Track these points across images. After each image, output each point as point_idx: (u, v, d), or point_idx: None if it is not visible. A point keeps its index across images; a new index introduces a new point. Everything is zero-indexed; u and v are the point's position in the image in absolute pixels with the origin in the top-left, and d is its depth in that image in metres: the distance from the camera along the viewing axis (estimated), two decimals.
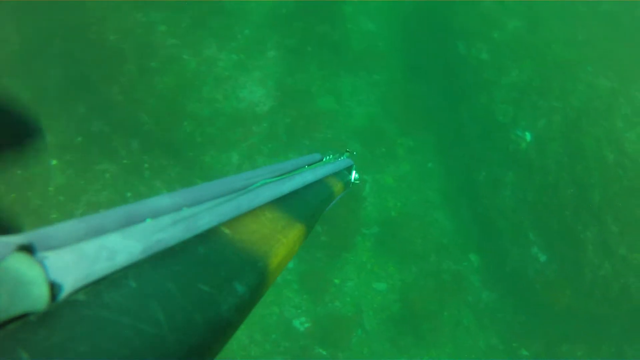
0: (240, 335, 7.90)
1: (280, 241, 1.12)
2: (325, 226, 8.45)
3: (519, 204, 8.62)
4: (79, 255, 0.64)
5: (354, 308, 8.54)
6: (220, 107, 8.80)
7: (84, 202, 8.18)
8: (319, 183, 1.63)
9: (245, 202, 1.05)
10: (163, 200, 0.86)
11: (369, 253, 8.67)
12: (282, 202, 1.25)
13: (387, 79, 9.83)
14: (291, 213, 1.26)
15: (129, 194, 8.40)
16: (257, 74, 9.01)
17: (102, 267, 0.66)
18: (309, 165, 1.65)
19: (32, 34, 8.35)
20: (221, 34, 8.99)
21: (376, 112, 9.52)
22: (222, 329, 0.82)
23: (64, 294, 0.60)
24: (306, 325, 8.21)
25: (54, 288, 0.59)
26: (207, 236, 0.91)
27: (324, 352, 8.02)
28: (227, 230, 0.98)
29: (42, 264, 0.58)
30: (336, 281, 8.52)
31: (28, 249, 0.58)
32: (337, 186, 1.82)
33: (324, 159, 1.94)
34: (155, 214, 0.82)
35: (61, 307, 0.60)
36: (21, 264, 0.55)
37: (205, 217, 0.90)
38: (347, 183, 2.08)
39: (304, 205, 1.39)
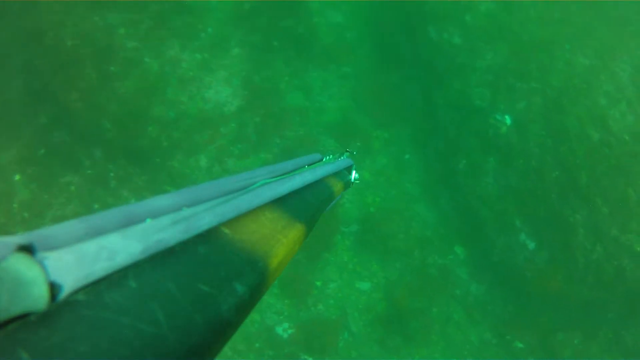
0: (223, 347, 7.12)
1: (280, 241, 1.08)
2: None
3: (502, 191, 7.92)
4: (79, 255, 0.61)
5: (339, 310, 8.01)
6: (186, 109, 8.23)
7: (49, 217, 7.74)
8: (319, 183, 1.57)
9: (245, 202, 1.01)
10: (163, 200, 0.84)
11: (350, 252, 7.99)
12: (282, 202, 1.21)
13: (357, 71, 9.10)
14: (291, 213, 1.22)
15: (95, 206, 7.94)
16: (222, 73, 8.32)
17: (102, 267, 0.64)
18: (309, 165, 1.60)
19: None
20: (183, 33, 8.33)
21: (348, 105, 8.78)
22: (222, 329, 0.79)
23: (64, 294, 0.58)
24: (290, 331, 7.71)
25: (54, 288, 0.56)
26: (207, 236, 0.89)
27: (310, 359, 7.55)
28: (227, 231, 0.95)
29: (42, 264, 0.56)
30: (318, 283, 7.97)
31: (28, 249, 0.55)
32: (337, 186, 1.76)
33: (324, 159, 1.88)
34: (155, 214, 0.79)
35: (61, 307, 0.58)
36: (21, 264, 0.54)
37: (205, 217, 0.87)
38: (347, 183, 2.01)
39: (304, 205, 1.34)
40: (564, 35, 8.23)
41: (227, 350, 7.27)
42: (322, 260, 8.10)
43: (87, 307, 0.60)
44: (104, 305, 0.62)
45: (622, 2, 8.69)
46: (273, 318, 7.63)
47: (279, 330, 7.64)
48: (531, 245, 7.94)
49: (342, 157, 2.11)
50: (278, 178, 1.25)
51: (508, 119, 8.01)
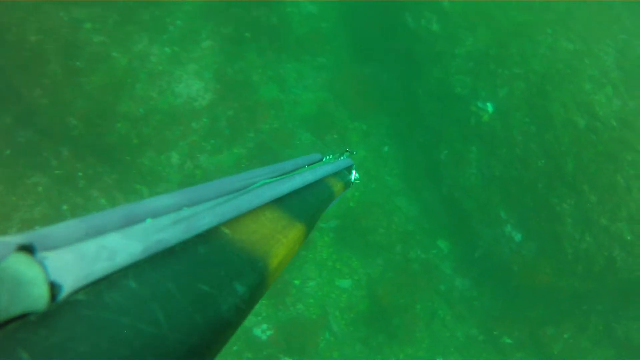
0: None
1: (280, 241, 1.05)
2: None
3: (486, 181, 7.31)
4: (79, 255, 0.60)
5: (319, 310, 7.54)
6: (156, 105, 7.76)
7: (17, 219, 7.21)
8: (319, 183, 1.50)
9: (245, 202, 0.98)
10: (163, 200, 0.82)
11: (329, 249, 7.42)
12: (282, 202, 1.17)
13: (333, 61, 8.46)
14: (291, 213, 1.18)
15: (64, 207, 7.43)
16: (193, 66, 7.74)
17: (102, 267, 0.62)
18: (309, 165, 1.52)
19: None
20: (152, 27, 7.78)
21: (324, 97, 8.16)
22: (222, 329, 0.77)
23: (64, 294, 0.56)
24: (268, 332, 7.23)
25: (54, 288, 0.55)
26: (207, 236, 0.87)
27: None
28: (227, 231, 0.93)
29: (42, 264, 0.54)
30: (296, 282, 7.57)
31: (28, 249, 0.55)
32: (337, 186, 1.66)
33: (324, 159, 1.77)
34: (155, 214, 0.78)
35: (61, 307, 0.57)
36: (21, 264, 0.53)
37: (205, 217, 0.84)
38: (347, 183, 1.90)
39: (304, 205, 1.29)
40: (546, 20, 7.69)
41: None
42: (300, 257, 7.64)
43: (87, 307, 0.58)
44: (104, 305, 0.60)
45: None
46: (251, 319, 7.17)
47: (258, 332, 7.17)
48: (517, 236, 7.47)
49: (342, 157, 2.01)
50: (278, 178, 1.20)
51: (490, 107, 7.41)
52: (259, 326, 7.19)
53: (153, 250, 0.71)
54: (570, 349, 7.69)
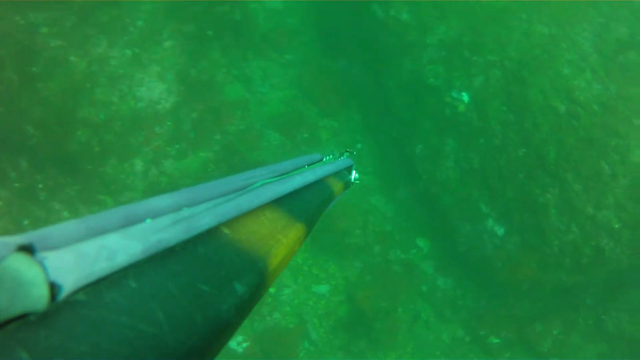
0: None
1: (280, 241, 1.01)
2: None
3: (464, 175, 6.63)
4: (79, 255, 0.58)
5: (296, 318, 6.97)
6: (117, 110, 7.11)
7: None
8: (319, 183, 1.45)
9: (245, 202, 0.95)
10: (163, 200, 0.79)
11: (304, 253, 6.92)
12: (282, 202, 1.13)
13: (301, 57, 7.74)
14: (291, 213, 1.14)
15: (25, 222, 6.83)
16: (155, 68, 7.08)
17: (102, 267, 0.60)
18: (309, 165, 1.46)
19: None
20: (111, 28, 7.17)
21: (292, 95, 7.44)
22: (222, 329, 0.74)
23: (64, 294, 0.54)
24: (245, 344, 6.67)
25: (53, 288, 0.53)
26: (207, 236, 0.84)
27: None
28: (227, 231, 0.90)
29: (42, 264, 0.52)
30: (271, 290, 6.96)
31: (28, 249, 0.52)
32: (337, 186, 1.59)
33: (324, 159, 1.70)
34: (155, 214, 0.75)
35: (61, 307, 0.55)
36: (21, 264, 0.50)
37: (205, 218, 0.81)
38: (347, 183, 1.83)
39: (304, 206, 1.24)
40: (520, 5, 7.12)
41: None
42: None
43: (87, 307, 0.57)
44: (104, 305, 0.58)
45: None
46: None
47: (233, 344, 6.61)
48: (500, 231, 6.89)
49: (342, 157, 1.92)
50: (278, 178, 1.15)
51: (465, 96, 6.72)
52: (234, 338, 6.59)
53: (153, 251, 0.67)
54: (560, 345, 7.17)
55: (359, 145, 7.68)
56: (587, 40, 7.29)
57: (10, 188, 6.79)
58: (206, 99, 7.23)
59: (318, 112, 7.67)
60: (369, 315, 6.86)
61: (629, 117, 6.85)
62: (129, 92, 7.17)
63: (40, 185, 6.84)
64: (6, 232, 5.11)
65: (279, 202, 1.10)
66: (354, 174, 1.99)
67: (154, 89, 7.23)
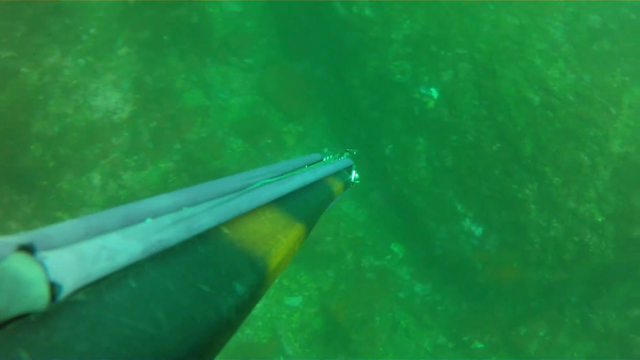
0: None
1: (280, 241, 0.95)
2: None
3: (437, 174, 5.93)
4: (79, 255, 0.55)
5: (270, 333, 6.24)
6: (72, 122, 6.43)
7: None
8: (319, 183, 1.37)
9: (245, 202, 0.90)
10: (163, 200, 0.74)
11: None
12: (282, 202, 1.06)
13: (261, 61, 7.02)
14: (291, 213, 1.07)
15: None
16: (110, 76, 6.39)
17: (102, 267, 0.57)
18: (308, 165, 1.40)
19: None
20: (63, 37, 6.54)
21: (255, 100, 6.73)
22: (222, 329, 0.69)
23: (64, 294, 0.51)
24: None
25: (54, 288, 0.49)
26: (207, 236, 0.79)
27: None
28: (227, 231, 0.84)
29: (42, 264, 0.49)
30: None
31: (28, 249, 0.49)
32: (337, 186, 1.51)
33: (324, 159, 1.63)
34: (155, 214, 0.70)
35: (61, 307, 0.52)
36: (21, 264, 0.47)
37: (205, 217, 0.77)
38: (347, 183, 1.72)
39: (304, 205, 1.17)
40: None
41: None
42: None
43: (87, 307, 0.53)
44: (104, 305, 0.55)
45: None
46: None
47: None
48: (478, 230, 6.27)
49: (342, 157, 1.80)
50: (278, 178, 1.08)
51: (434, 92, 6.02)
52: None
53: (153, 251, 0.64)
54: (547, 347, 6.55)
55: (326, 149, 6.91)
56: (558, 30, 6.65)
57: None
58: (164, 107, 6.48)
59: (282, 116, 6.92)
60: (345, 326, 6.14)
61: (606, 106, 6.18)
62: (84, 102, 6.48)
63: None
64: None
65: (279, 202, 1.04)
66: (354, 174, 1.87)
67: (110, 99, 6.50)
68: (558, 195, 5.80)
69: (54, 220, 6.16)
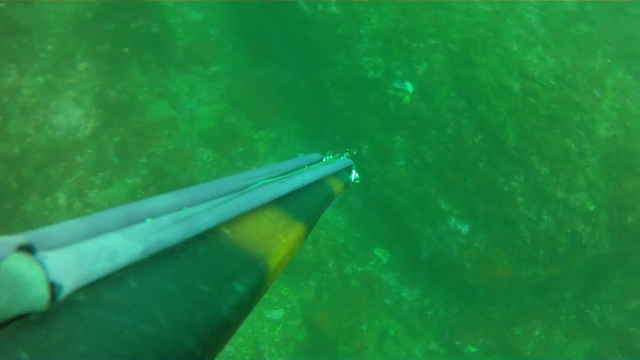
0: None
1: (280, 241, 0.89)
2: None
3: (418, 172, 5.25)
4: (79, 255, 0.51)
5: (251, 349, 5.45)
6: (34, 142, 5.67)
7: None
8: (319, 183, 1.29)
9: (245, 202, 0.84)
10: (163, 200, 0.70)
11: None
12: (282, 202, 1.00)
13: (228, 68, 6.39)
14: (291, 213, 1.01)
15: None
16: (71, 93, 5.78)
17: (102, 267, 0.53)
18: (308, 165, 1.33)
19: None
20: (20, 56, 5.89)
21: (223, 108, 6.12)
22: (222, 329, 0.65)
23: (64, 294, 0.48)
24: None
25: (54, 288, 0.47)
26: (207, 236, 0.74)
27: None
28: (227, 231, 0.79)
29: (42, 264, 0.46)
30: None
31: (28, 249, 0.46)
32: (337, 186, 1.42)
33: (324, 159, 1.57)
34: (155, 214, 0.66)
35: (61, 307, 0.49)
36: (21, 264, 0.45)
37: (205, 217, 0.72)
38: (347, 183, 1.62)
39: (304, 205, 1.10)
40: None
41: None
42: None
43: (87, 307, 0.50)
44: (104, 305, 0.52)
45: None
46: None
47: None
48: (464, 228, 5.67)
49: (342, 157, 1.72)
50: (278, 178, 1.02)
51: (409, 86, 5.36)
52: None
53: (153, 251, 0.60)
54: (544, 347, 5.91)
55: (301, 155, 6.18)
56: (533, 15, 6.05)
57: None
58: (129, 121, 5.78)
59: (252, 124, 6.21)
60: (331, 337, 5.47)
61: (590, 89, 5.53)
62: (45, 121, 5.78)
63: None
64: None
65: (279, 202, 0.97)
66: (354, 174, 1.75)
67: (72, 116, 5.80)
68: (547, 185, 5.13)
69: None
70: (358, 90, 5.84)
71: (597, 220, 5.38)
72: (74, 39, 6.08)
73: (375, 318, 5.68)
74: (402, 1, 5.89)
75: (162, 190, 5.72)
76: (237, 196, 0.82)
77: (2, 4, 6.05)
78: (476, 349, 5.79)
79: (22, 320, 0.44)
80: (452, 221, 5.52)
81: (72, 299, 0.49)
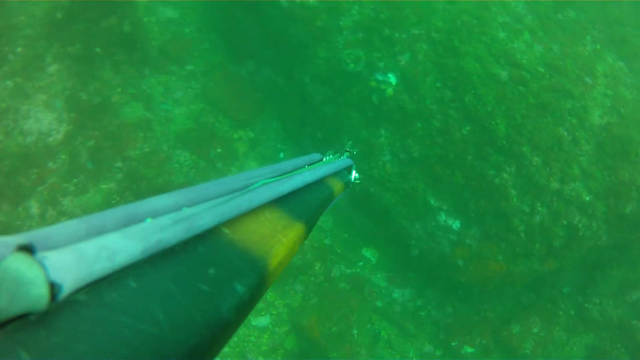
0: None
1: (280, 241, 0.86)
2: None
3: (405, 167, 4.85)
4: (79, 255, 0.50)
5: (239, 359, 5.08)
6: (4, 148, 5.30)
7: None
8: (319, 183, 1.26)
9: (245, 202, 0.82)
10: (163, 200, 0.68)
11: None
12: (282, 202, 0.98)
13: (204, 67, 6.01)
14: (291, 213, 0.98)
15: None
16: (41, 96, 5.36)
17: (102, 267, 0.52)
18: (308, 165, 1.32)
19: None
20: None
21: (200, 108, 5.73)
22: (222, 329, 0.63)
23: (64, 294, 0.47)
24: None
25: (54, 288, 0.45)
26: (207, 236, 0.72)
27: None
28: (227, 231, 0.77)
29: (42, 264, 0.45)
30: None
31: (28, 249, 0.45)
32: (337, 186, 1.39)
33: (324, 159, 1.53)
34: (155, 214, 0.65)
35: (61, 307, 0.48)
36: (21, 264, 0.43)
37: (205, 217, 0.70)
38: (347, 183, 1.58)
39: (304, 205, 1.07)
40: None
41: None
42: None
43: (87, 307, 0.49)
44: (104, 305, 0.51)
45: None
46: None
47: None
48: (455, 224, 5.32)
49: (342, 157, 1.67)
50: (278, 178, 1.00)
51: (392, 78, 5.00)
52: None
53: (153, 250, 0.59)
54: (543, 344, 5.55)
55: (282, 154, 5.82)
56: (519, 2, 5.61)
57: None
58: (102, 124, 5.39)
59: (230, 123, 5.82)
60: (321, 343, 5.11)
61: (580, 75, 5.17)
62: (15, 126, 5.40)
63: None
64: None
65: (279, 202, 0.95)
66: (354, 174, 1.70)
67: (43, 120, 5.41)
68: (540, 176, 4.77)
69: None
70: (339, 84, 5.45)
71: (594, 211, 5.02)
72: (43, 40, 5.68)
73: (367, 321, 5.30)
74: None
75: (138, 195, 5.33)
76: (237, 196, 0.81)
77: None
78: (473, 349, 5.42)
79: (22, 320, 0.43)
80: (442, 217, 5.14)
81: (72, 299, 0.48)
